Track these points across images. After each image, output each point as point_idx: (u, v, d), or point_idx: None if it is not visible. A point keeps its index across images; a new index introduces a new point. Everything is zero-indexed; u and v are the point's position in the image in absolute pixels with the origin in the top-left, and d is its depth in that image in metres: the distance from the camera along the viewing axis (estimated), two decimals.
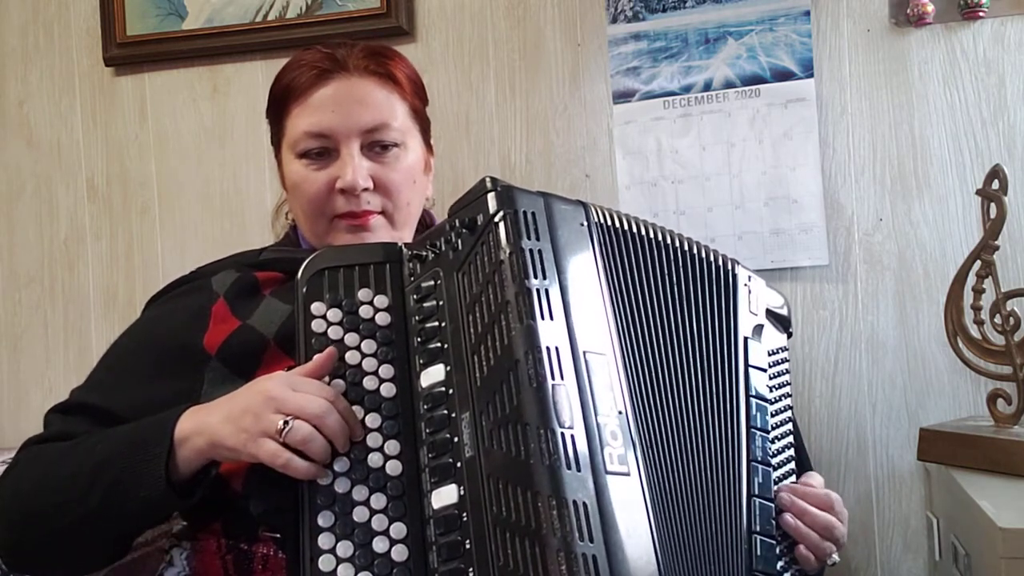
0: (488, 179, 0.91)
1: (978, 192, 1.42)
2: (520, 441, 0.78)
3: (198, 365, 1.02)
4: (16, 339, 1.94)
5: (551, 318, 0.84)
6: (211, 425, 0.88)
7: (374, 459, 0.86)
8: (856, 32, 1.62)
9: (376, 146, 1.12)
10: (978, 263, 1.42)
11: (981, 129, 1.58)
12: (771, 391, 1.03)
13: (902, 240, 1.61)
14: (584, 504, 0.76)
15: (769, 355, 1.04)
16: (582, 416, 0.81)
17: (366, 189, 1.11)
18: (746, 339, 1.01)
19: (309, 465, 0.83)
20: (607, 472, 0.79)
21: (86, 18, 1.90)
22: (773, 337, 1.07)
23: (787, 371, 1.08)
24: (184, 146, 1.87)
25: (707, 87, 1.65)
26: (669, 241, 1.00)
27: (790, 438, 1.04)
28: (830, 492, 1.02)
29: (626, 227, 0.97)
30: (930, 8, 1.57)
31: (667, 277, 0.98)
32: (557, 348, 0.82)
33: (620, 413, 0.84)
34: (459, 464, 0.83)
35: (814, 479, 1.03)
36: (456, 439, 0.84)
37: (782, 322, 1.10)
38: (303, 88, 1.13)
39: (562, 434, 0.78)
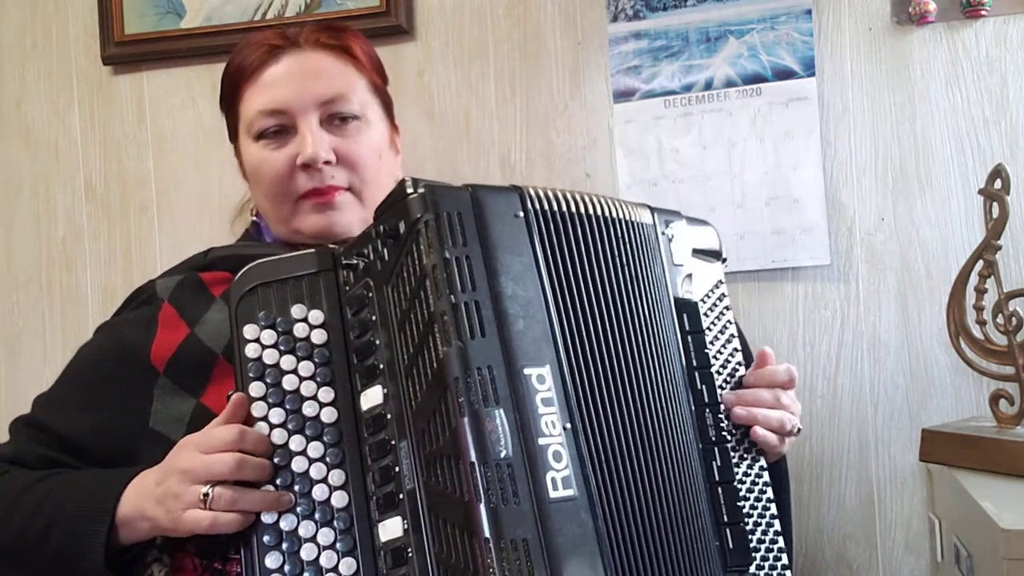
0: (409, 181, 0.84)
1: (980, 191, 1.42)
2: (455, 477, 0.75)
3: (147, 382, 1.01)
4: (14, 339, 1.93)
5: (482, 334, 0.79)
6: (148, 510, 0.90)
7: (319, 491, 0.84)
8: (858, 31, 1.61)
9: (335, 119, 1.09)
10: (980, 263, 1.41)
11: (983, 128, 1.57)
12: (715, 341, 1.02)
13: (904, 240, 1.60)
14: (525, 541, 0.73)
15: (707, 298, 1.04)
16: (521, 441, 0.77)
17: (328, 162, 1.06)
18: (681, 303, 1.00)
19: (235, 517, 0.83)
20: (550, 501, 0.76)
21: (84, 17, 1.89)
22: (706, 276, 1.05)
23: (724, 296, 1.07)
24: (182, 145, 1.86)
25: (708, 86, 1.64)
26: (604, 212, 0.94)
27: (741, 369, 1.04)
28: (776, 368, 1.03)
29: (564, 208, 0.91)
30: (932, 7, 1.56)
31: (607, 255, 0.93)
32: (490, 368, 0.78)
33: (566, 428, 0.80)
34: (401, 495, 0.81)
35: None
36: (397, 468, 0.81)
37: (712, 254, 1.07)
38: (254, 67, 1.09)
39: (498, 466, 0.75)
